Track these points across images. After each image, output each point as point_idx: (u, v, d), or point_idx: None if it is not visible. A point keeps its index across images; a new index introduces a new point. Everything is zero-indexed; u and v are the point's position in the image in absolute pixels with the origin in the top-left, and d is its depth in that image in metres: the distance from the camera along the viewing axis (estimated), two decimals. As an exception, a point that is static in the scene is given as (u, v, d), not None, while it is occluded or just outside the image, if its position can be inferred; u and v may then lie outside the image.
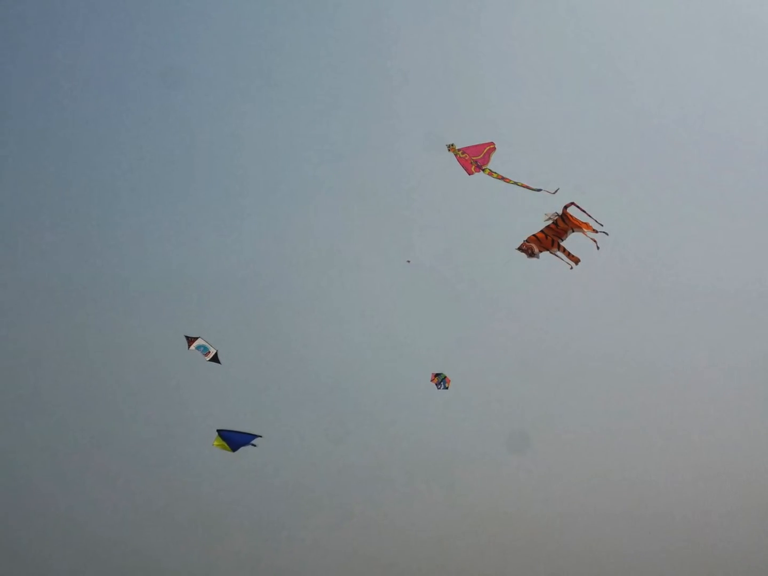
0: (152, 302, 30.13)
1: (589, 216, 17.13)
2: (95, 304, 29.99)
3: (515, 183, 16.86)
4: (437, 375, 23.76)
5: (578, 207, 17.14)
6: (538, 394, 29.52)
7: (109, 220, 32.52)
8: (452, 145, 17.14)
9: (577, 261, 17.64)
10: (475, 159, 17.00)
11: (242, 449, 21.28)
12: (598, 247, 17.40)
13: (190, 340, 21.70)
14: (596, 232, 17.28)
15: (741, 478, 27.85)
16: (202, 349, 21.80)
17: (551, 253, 17.64)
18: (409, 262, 23.84)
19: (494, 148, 17.20)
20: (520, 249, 17.50)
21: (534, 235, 17.40)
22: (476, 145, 17.10)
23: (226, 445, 21.20)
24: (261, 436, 21.21)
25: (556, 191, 16.80)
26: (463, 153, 17.00)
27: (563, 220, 17.28)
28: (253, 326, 29.90)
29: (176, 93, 33.43)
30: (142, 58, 34.12)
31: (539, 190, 16.84)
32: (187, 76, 33.55)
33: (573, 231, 17.46)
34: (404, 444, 28.70)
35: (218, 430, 21.09)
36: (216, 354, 21.79)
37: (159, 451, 28.32)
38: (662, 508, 27.80)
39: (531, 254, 17.57)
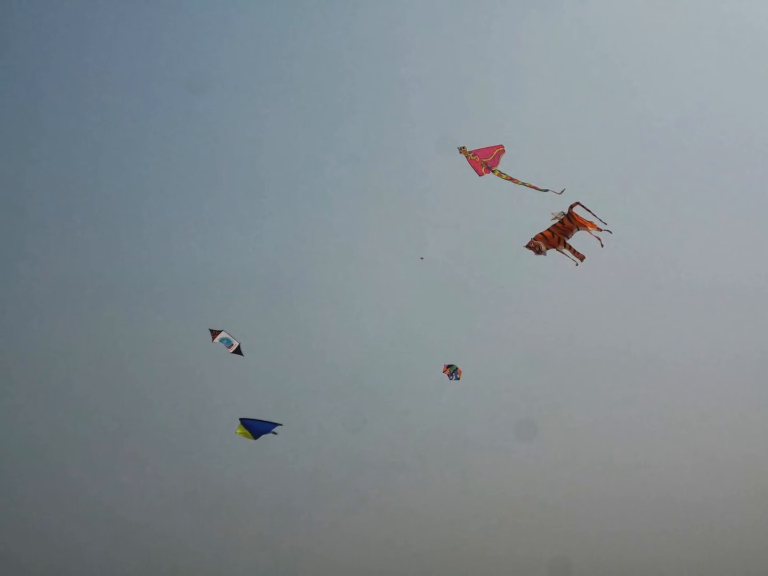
0: (178, 297, 30.53)
1: (594, 215, 17.28)
2: (124, 299, 30.34)
3: (523, 184, 16.88)
4: (449, 366, 23.84)
5: (583, 207, 17.27)
6: (546, 385, 29.72)
7: (137, 219, 32.87)
8: (463, 147, 17.16)
9: (582, 258, 17.72)
10: (485, 161, 16.93)
11: (263, 437, 21.57)
12: (602, 245, 17.52)
13: (214, 333, 21.94)
14: (600, 230, 17.39)
15: (739, 464, 28.23)
16: (225, 341, 21.88)
17: (557, 250, 17.66)
18: (422, 258, 24.03)
19: (503, 151, 17.03)
20: (528, 246, 17.53)
21: (541, 233, 17.45)
22: (486, 148, 17.00)
23: (248, 432, 21.43)
24: (281, 425, 21.60)
25: (562, 191, 17.00)
26: (473, 155, 16.96)
27: (569, 219, 17.37)
28: (273, 320, 30.19)
29: (201, 99, 33.62)
30: (169, 66, 34.38)
31: (546, 190, 16.97)
32: (211, 83, 33.84)
33: (578, 229, 17.50)
34: (418, 432, 28.76)
35: (240, 419, 21.47)
36: (239, 347, 22.02)
37: (184, 439, 28.72)
38: (663, 492, 28.23)
39: (538, 251, 17.58)
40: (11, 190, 32.11)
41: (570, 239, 17.74)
